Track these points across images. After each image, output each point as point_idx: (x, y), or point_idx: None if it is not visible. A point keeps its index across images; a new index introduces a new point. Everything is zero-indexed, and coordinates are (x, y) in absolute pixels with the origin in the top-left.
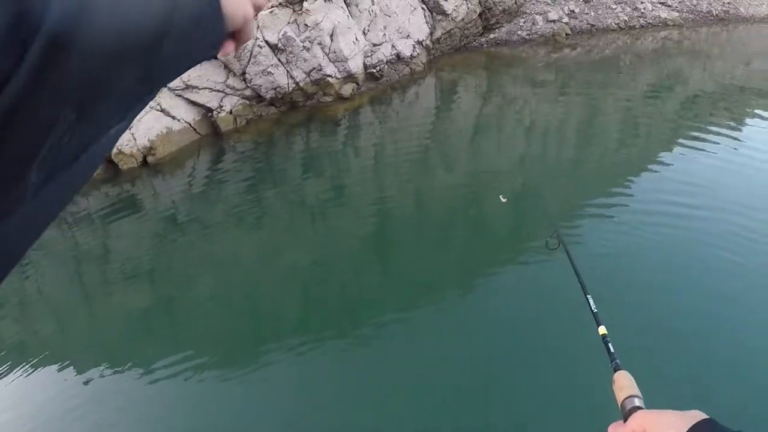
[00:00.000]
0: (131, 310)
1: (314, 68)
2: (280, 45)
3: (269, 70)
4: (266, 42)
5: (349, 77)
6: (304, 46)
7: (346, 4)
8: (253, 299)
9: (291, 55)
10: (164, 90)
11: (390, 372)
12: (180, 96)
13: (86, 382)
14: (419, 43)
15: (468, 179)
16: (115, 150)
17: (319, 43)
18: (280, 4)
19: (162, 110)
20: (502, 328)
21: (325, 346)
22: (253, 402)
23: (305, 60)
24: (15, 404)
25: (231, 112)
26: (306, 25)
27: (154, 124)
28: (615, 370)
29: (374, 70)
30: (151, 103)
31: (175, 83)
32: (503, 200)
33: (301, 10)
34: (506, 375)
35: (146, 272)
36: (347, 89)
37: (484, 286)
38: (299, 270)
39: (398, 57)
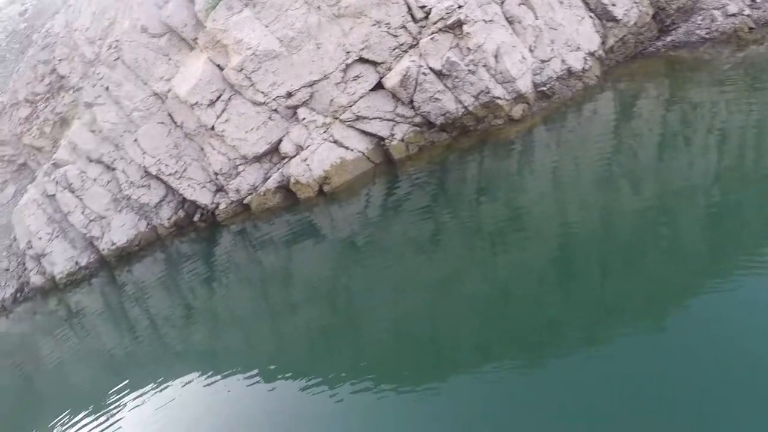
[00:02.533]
0: (312, 327)
1: (482, 91)
2: (444, 70)
3: (436, 96)
4: (430, 68)
5: (519, 97)
6: (469, 70)
7: (508, 22)
8: (430, 323)
9: (457, 79)
10: (336, 122)
11: (574, 403)
12: (352, 127)
13: (270, 390)
14: (591, 54)
15: (657, 200)
16: (292, 180)
17: (485, 65)
18: (440, 30)
19: (335, 141)
20: (698, 363)
21: (502, 373)
22: (429, 423)
23: (472, 83)
24: (206, 406)
25: (403, 140)
26: (469, 48)
27: (328, 155)
28: None
29: (545, 88)
30: (324, 135)
31: (346, 115)
32: None
33: (461, 33)
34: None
35: (326, 294)
36: (518, 110)
37: (680, 317)
38: (477, 296)
39: (569, 72)
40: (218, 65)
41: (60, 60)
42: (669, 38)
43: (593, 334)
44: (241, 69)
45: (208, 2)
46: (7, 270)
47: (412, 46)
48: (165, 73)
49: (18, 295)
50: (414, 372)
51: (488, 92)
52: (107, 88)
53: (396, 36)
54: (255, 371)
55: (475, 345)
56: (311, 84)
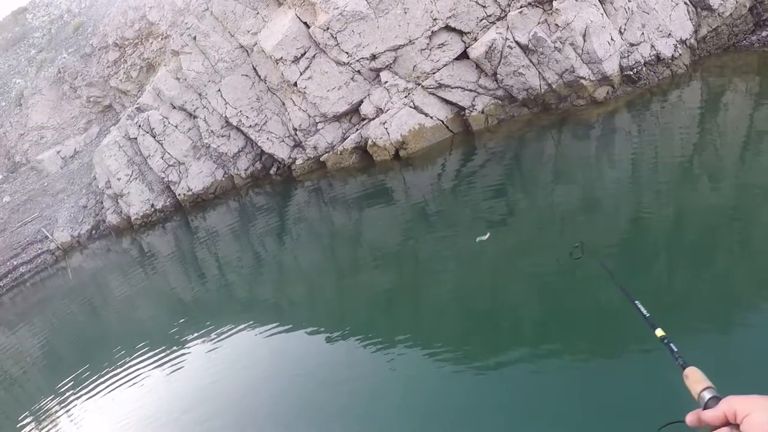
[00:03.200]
0: (374, 290)
1: (567, 70)
2: (530, 45)
3: (520, 71)
4: (516, 42)
5: (604, 79)
6: (555, 47)
7: (600, 1)
8: (492, 299)
9: (542, 56)
10: (418, 88)
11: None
12: (433, 94)
13: (326, 346)
14: (682, 42)
15: (736, 199)
16: (369, 142)
17: (572, 44)
18: (530, 4)
19: (415, 107)
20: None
21: (557, 357)
22: (481, 398)
23: (557, 61)
24: (261, 356)
25: (483, 112)
26: (557, 25)
27: (407, 120)
28: (683, 367)
29: (631, 72)
30: (405, 100)
31: (428, 81)
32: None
33: (551, 9)
34: None
35: (391, 258)
36: (601, 92)
37: (754, 317)
38: (542, 276)
39: (658, 58)
40: (305, 22)
41: (150, 7)
42: (765, 33)
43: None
44: (327, 28)
45: None
46: (85, 207)
47: (499, 18)
48: (252, 27)
49: (94, 232)
50: (467, 345)
51: (573, 71)
52: (195, 38)
53: (484, 6)
54: (313, 328)
55: (532, 327)
56: (396, 48)
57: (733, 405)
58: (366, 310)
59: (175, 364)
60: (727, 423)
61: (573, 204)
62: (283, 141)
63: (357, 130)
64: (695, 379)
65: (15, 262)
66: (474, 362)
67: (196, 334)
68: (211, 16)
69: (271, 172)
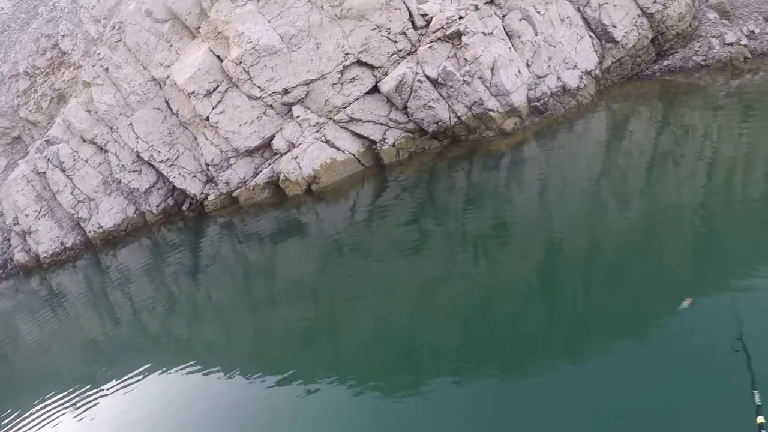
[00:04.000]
0: (291, 324)
1: (475, 102)
2: (440, 79)
3: (430, 104)
4: (426, 76)
5: (512, 111)
6: (464, 81)
7: (508, 36)
8: (408, 328)
9: (452, 89)
10: (330, 122)
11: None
12: (345, 128)
13: (245, 384)
14: (587, 73)
15: (643, 221)
16: (282, 177)
17: (480, 77)
18: (439, 39)
19: (327, 141)
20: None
21: (479, 381)
22: (404, 425)
23: (466, 94)
24: (180, 396)
25: (394, 145)
26: (465, 59)
27: (318, 155)
28: None
29: (538, 104)
30: (316, 134)
31: (340, 116)
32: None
33: (460, 44)
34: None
35: (308, 291)
36: (510, 123)
37: (658, 337)
38: (457, 305)
39: (564, 89)
40: (218, 56)
41: (63, 36)
42: (666, 62)
43: (572, 348)
44: (240, 62)
45: None
46: None
47: (410, 53)
48: (165, 60)
49: (1, 271)
50: (388, 375)
51: (482, 104)
52: (107, 69)
53: (395, 42)
54: (231, 364)
55: (451, 353)
56: (308, 83)
57: None
58: (282, 346)
59: (88, 407)
60: None
61: (484, 230)
62: (195, 176)
63: (269, 164)
64: None
65: None
66: (396, 393)
67: (109, 376)
68: (124, 47)
69: (184, 208)
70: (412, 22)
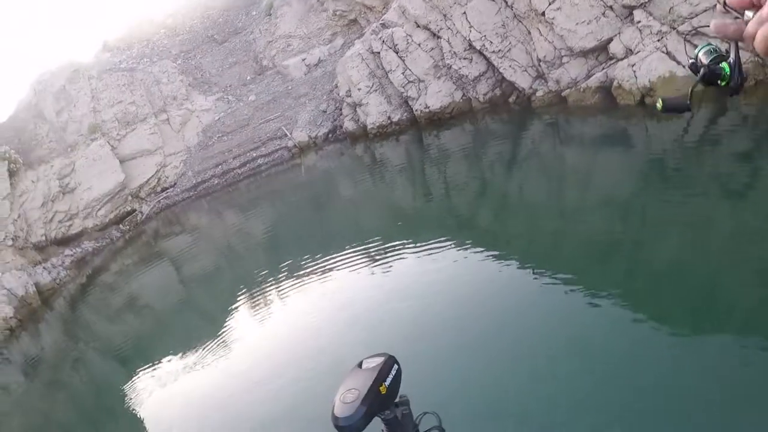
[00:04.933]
0: (592, 239)
1: None
2: None
3: None
4: None
5: None
6: None
7: None
8: (704, 274)
9: None
10: (673, 32)
11: None
12: (689, 41)
13: (526, 282)
14: None
15: None
16: (615, 84)
17: None
18: None
19: (667, 53)
20: None
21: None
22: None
23: None
24: (456, 276)
25: None
26: None
27: (657, 66)
28: None
29: None
30: (657, 44)
31: (684, 26)
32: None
33: None
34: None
35: (615, 208)
36: None
37: None
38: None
39: None
40: None
41: None
42: None
43: None
44: None
45: None
46: (325, 112)
47: None
48: None
49: (330, 135)
50: (673, 314)
51: None
52: None
53: None
54: (517, 261)
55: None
56: None
57: None
58: (576, 257)
59: (385, 266)
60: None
61: None
62: (525, 70)
63: (603, 69)
64: None
65: (254, 154)
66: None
67: (407, 242)
68: None
69: (510, 100)
70: None
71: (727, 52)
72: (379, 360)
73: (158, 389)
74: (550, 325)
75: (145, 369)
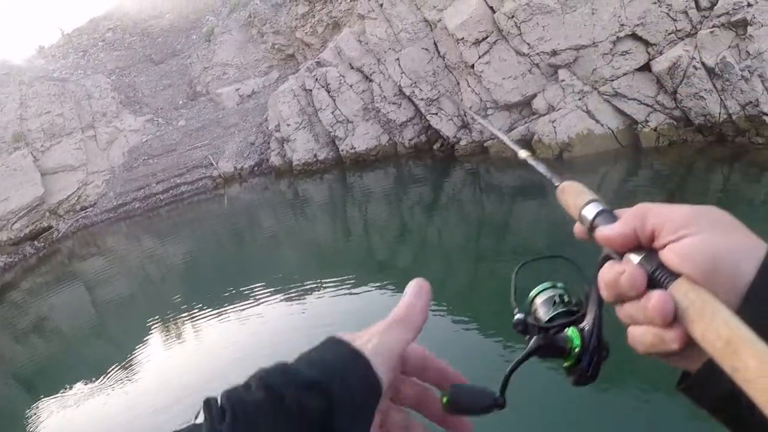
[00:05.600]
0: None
1: (750, 102)
2: (716, 70)
3: (702, 94)
4: (702, 64)
5: None
6: (742, 76)
7: None
8: None
9: (727, 82)
10: (594, 92)
11: None
12: (608, 101)
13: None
14: None
15: None
16: (536, 137)
17: (760, 75)
18: (723, 24)
19: (587, 111)
20: None
21: None
22: None
23: (742, 91)
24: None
25: (656, 129)
26: (748, 52)
27: (576, 123)
28: (556, 187)
29: None
30: (578, 102)
31: (605, 87)
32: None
33: (744, 34)
34: None
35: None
36: None
37: None
38: None
39: None
40: (491, 7)
41: None
42: None
43: None
44: (513, 16)
45: None
46: (252, 144)
47: (688, 35)
48: (439, 3)
49: (255, 168)
50: None
51: (757, 105)
52: (381, 5)
53: (675, 20)
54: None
55: None
56: (578, 48)
57: (649, 218)
58: (487, 299)
59: (298, 301)
60: (634, 244)
61: None
62: (451, 119)
63: (525, 123)
64: (575, 192)
65: (178, 180)
66: None
67: (328, 280)
68: None
69: (435, 147)
70: (696, 1)
71: (582, 305)
72: None
73: (57, 415)
74: (467, 365)
75: (46, 394)
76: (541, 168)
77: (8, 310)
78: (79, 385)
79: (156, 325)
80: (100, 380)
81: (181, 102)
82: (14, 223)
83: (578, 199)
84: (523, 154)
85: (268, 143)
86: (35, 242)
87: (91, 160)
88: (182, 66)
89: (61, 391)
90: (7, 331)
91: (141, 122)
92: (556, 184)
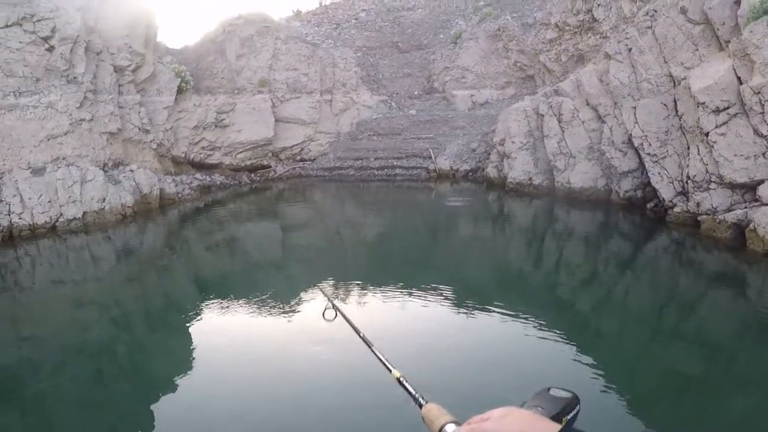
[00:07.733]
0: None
1: None
2: None
3: None
4: None
5: None
6: None
7: None
8: None
9: None
10: None
11: None
12: None
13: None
14: None
15: None
16: (751, 226)
17: None
18: None
19: None
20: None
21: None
22: None
23: None
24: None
25: None
26: None
27: None
28: (421, 406)
29: None
30: None
31: None
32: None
33: None
34: None
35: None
36: None
37: None
38: None
39: None
40: (739, 77)
41: (599, 5)
42: None
43: None
44: (759, 92)
45: (753, 11)
46: (474, 150)
47: None
48: (687, 61)
49: (470, 174)
50: None
51: None
52: (630, 49)
53: None
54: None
55: None
56: None
57: (473, 428)
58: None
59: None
60: None
61: None
62: (672, 182)
63: (745, 208)
64: (435, 416)
65: (395, 163)
66: None
67: (499, 305)
68: (652, 35)
69: (648, 205)
70: None
71: None
72: (567, 394)
73: (216, 321)
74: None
75: (214, 300)
76: (409, 387)
77: (210, 223)
78: (240, 304)
79: (327, 285)
80: (256, 306)
81: (416, 93)
82: (240, 152)
83: (438, 421)
84: (396, 373)
85: (489, 154)
86: (252, 175)
87: (322, 120)
88: (425, 60)
89: (224, 304)
90: (203, 237)
91: (375, 101)
92: (421, 407)
